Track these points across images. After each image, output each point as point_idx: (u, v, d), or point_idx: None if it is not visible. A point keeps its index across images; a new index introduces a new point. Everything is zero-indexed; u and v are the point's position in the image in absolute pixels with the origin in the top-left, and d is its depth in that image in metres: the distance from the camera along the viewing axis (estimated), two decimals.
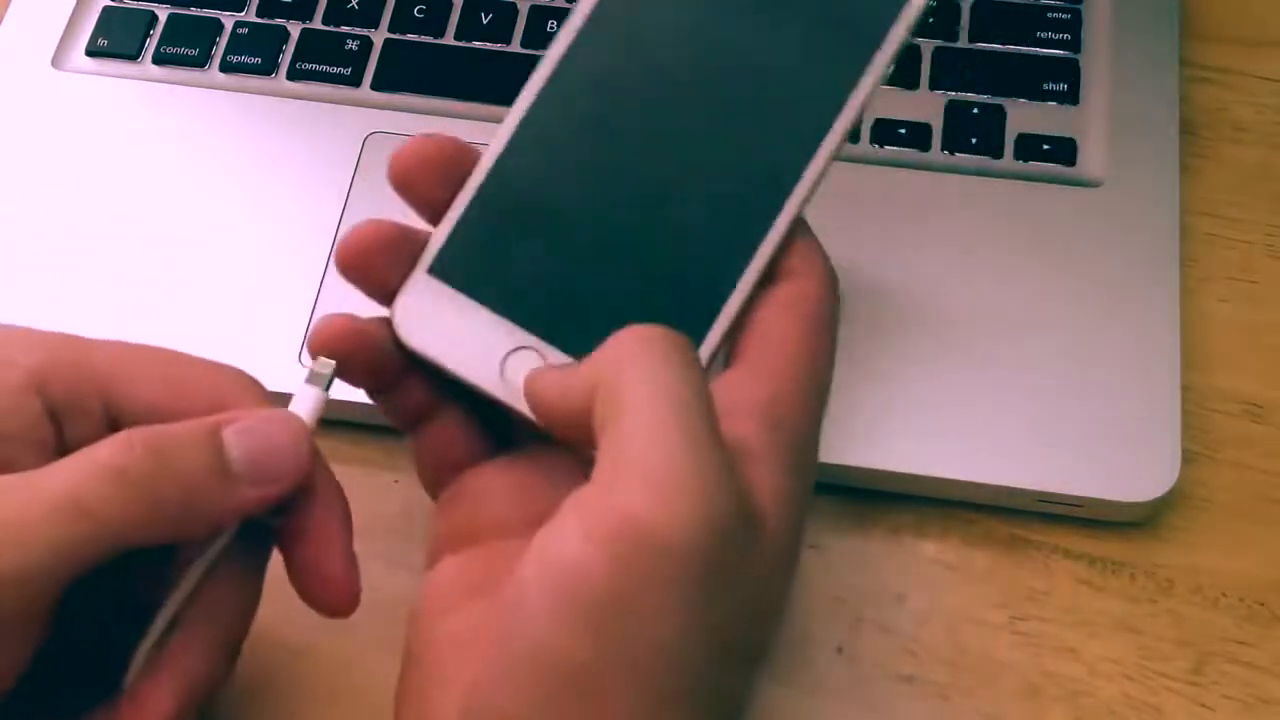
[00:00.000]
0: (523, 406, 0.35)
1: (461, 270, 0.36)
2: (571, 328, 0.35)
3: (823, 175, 0.36)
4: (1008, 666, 0.42)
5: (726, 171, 0.36)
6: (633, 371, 0.32)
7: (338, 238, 0.36)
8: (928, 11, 0.36)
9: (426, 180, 0.36)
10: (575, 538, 0.30)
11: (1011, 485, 0.43)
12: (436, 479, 0.38)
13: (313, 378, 0.35)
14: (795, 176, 0.36)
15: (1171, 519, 0.44)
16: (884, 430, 0.44)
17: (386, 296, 0.37)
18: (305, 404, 0.35)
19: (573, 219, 0.36)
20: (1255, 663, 0.41)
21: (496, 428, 0.38)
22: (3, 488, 0.31)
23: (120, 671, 0.34)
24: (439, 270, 0.36)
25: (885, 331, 0.45)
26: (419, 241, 0.37)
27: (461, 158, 0.37)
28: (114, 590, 0.36)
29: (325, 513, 0.35)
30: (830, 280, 0.36)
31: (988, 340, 0.45)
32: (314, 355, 0.35)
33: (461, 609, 0.34)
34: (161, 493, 0.32)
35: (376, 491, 0.44)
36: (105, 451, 0.32)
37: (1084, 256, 0.46)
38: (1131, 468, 0.43)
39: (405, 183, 0.37)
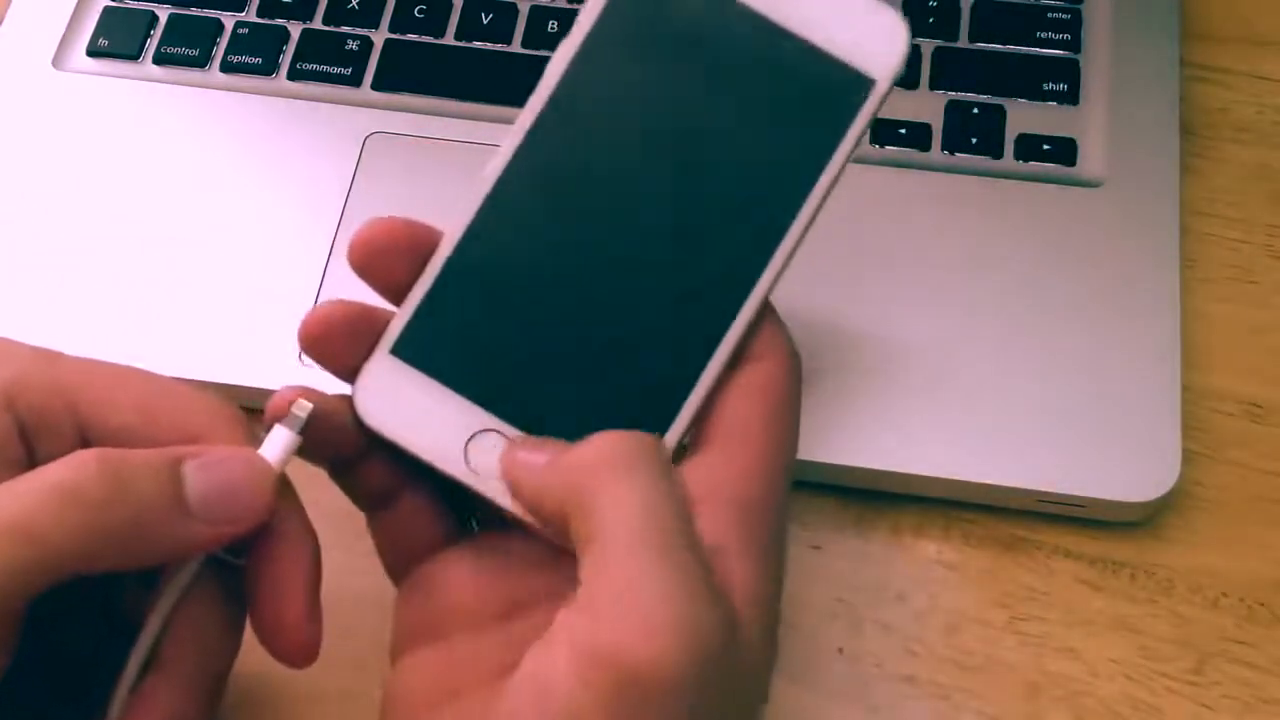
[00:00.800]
0: (488, 490, 0.35)
1: (424, 351, 0.35)
2: (536, 411, 0.35)
3: (789, 259, 0.36)
4: (1008, 666, 0.42)
5: (694, 257, 0.36)
6: (607, 489, 0.31)
7: (302, 319, 0.35)
8: (890, 91, 0.36)
9: (388, 263, 0.36)
10: (568, 676, 0.29)
11: (1012, 485, 0.43)
12: (398, 564, 0.37)
13: (288, 420, 0.34)
14: (763, 262, 0.36)
15: (1172, 519, 0.44)
16: (885, 430, 0.44)
17: (350, 374, 0.36)
18: (276, 445, 0.34)
19: (537, 302, 0.36)
20: (1255, 663, 0.42)
21: (459, 510, 0.37)
22: None
23: (109, 687, 0.33)
24: (401, 350, 0.35)
25: (884, 332, 0.45)
26: (382, 321, 0.36)
27: (422, 237, 0.36)
28: (101, 603, 0.35)
29: (289, 558, 0.34)
30: (794, 362, 0.36)
31: (988, 340, 0.45)
32: (267, 425, 0.35)
33: (437, 712, 0.33)
34: (113, 518, 0.31)
35: None
36: (59, 472, 0.31)
37: (1084, 257, 0.46)
38: (1132, 468, 0.43)
39: (366, 267, 0.36)
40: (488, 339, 0.36)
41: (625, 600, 0.30)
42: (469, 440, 0.35)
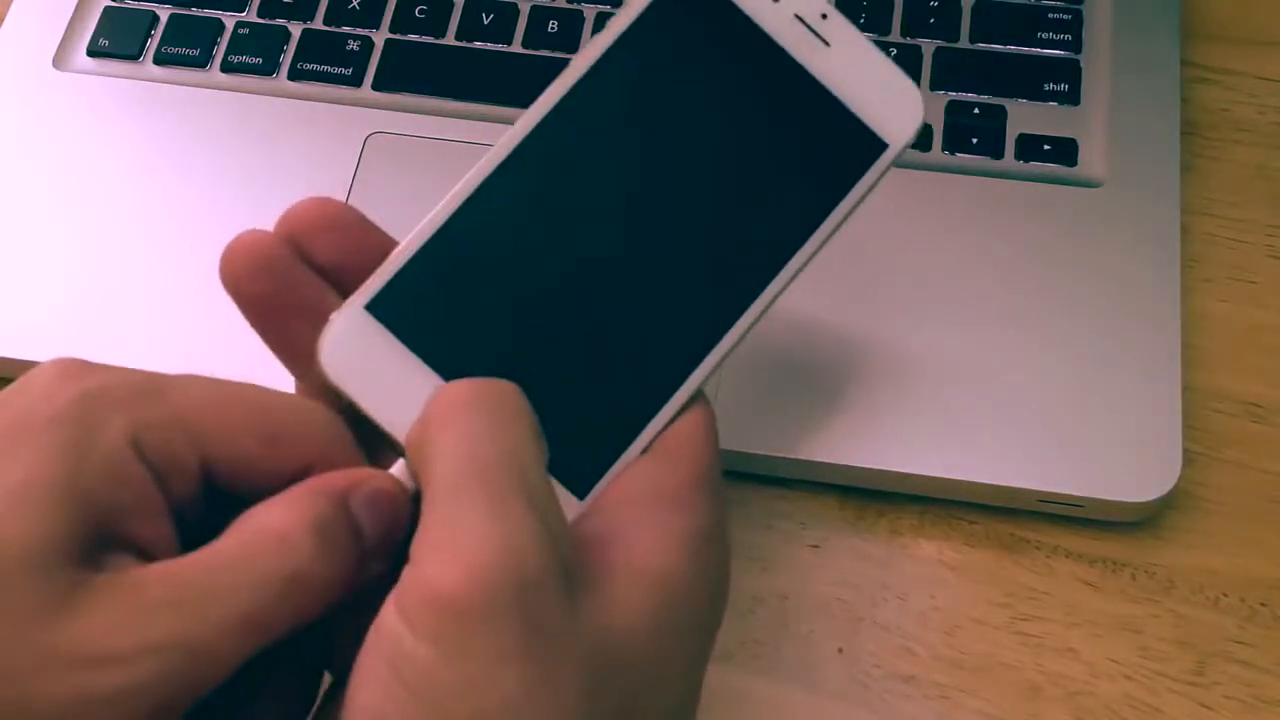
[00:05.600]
0: None
1: (400, 314, 0.35)
2: None
3: (762, 315, 0.36)
4: (1008, 666, 0.42)
5: (682, 282, 0.36)
6: (437, 437, 0.31)
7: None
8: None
9: (322, 242, 0.36)
10: (394, 619, 0.30)
11: (1012, 485, 0.43)
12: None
13: None
14: (735, 316, 0.36)
15: (1172, 519, 0.44)
16: (885, 430, 0.44)
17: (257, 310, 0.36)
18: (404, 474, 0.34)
19: (519, 296, 0.36)
20: (1256, 663, 0.41)
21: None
22: (180, 604, 0.29)
23: None
24: (376, 308, 0.35)
25: (884, 332, 0.45)
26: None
27: (352, 220, 0.36)
28: None
29: None
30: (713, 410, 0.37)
31: (988, 341, 0.45)
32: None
33: None
34: (333, 591, 0.31)
35: None
36: (281, 561, 0.30)
37: (1085, 257, 0.46)
38: (1132, 468, 0.43)
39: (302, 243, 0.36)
40: (467, 317, 0.35)
41: (438, 537, 0.30)
42: None
